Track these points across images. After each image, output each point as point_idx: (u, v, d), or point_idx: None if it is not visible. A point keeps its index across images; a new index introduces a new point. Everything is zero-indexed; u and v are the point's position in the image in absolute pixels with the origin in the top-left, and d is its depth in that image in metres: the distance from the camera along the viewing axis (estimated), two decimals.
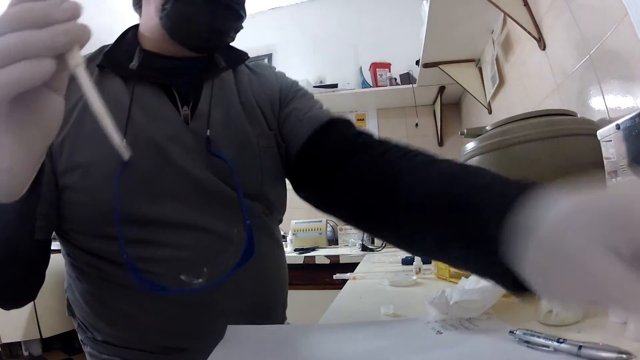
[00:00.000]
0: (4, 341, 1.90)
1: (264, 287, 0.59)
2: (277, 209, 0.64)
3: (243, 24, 0.58)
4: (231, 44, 0.61)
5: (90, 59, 0.56)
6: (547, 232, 0.26)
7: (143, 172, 0.51)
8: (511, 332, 0.36)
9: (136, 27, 0.61)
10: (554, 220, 0.26)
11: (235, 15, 0.56)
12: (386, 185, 0.47)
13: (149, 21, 0.57)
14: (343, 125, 0.59)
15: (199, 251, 0.52)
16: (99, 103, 0.27)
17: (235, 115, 0.60)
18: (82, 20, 0.27)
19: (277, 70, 0.69)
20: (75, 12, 0.25)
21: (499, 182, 0.37)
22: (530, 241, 0.27)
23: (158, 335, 0.52)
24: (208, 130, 0.55)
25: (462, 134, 0.99)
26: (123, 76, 0.55)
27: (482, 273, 0.37)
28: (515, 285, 0.30)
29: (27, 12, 0.24)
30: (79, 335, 0.61)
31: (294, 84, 0.67)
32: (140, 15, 0.61)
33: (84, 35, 0.26)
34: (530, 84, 1.32)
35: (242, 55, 0.65)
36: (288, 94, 0.64)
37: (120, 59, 0.56)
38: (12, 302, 0.49)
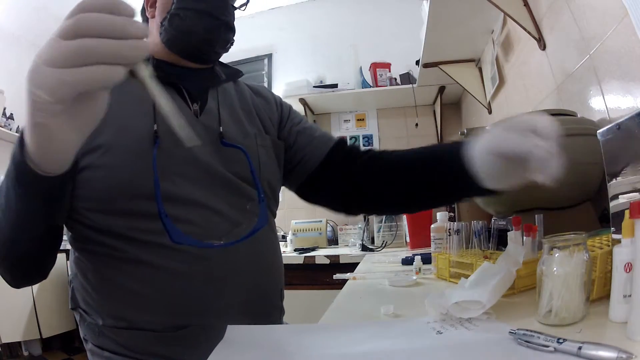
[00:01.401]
0: (4, 341, 1.89)
1: (262, 271, 0.65)
2: (272, 201, 0.71)
3: (234, 37, 0.67)
4: (228, 56, 0.70)
5: None
6: (489, 135, 0.49)
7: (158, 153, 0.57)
8: (511, 332, 0.36)
9: None
10: (492, 130, 0.49)
11: (225, 27, 0.64)
12: (394, 170, 0.67)
13: (153, 38, 0.66)
14: (345, 142, 0.76)
15: (207, 228, 0.58)
16: (171, 105, 0.33)
17: (237, 116, 0.69)
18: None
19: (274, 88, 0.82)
20: (145, 32, 0.31)
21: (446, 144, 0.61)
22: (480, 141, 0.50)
23: (162, 311, 0.56)
24: (221, 127, 0.64)
25: (462, 134, 1.00)
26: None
27: (460, 194, 0.62)
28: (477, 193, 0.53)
29: (107, 23, 0.29)
30: (80, 332, 0.63)
31: (290, 106, 0.81)
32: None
33: (147, 52, 0.31)
34: (530, 84, 1.32)
35: (237, 71, 0.75)
36: (289, 113, 0.78)
37: None
38: (25, 279, 0.53)
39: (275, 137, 0.74)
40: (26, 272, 0.53)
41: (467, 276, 0.54)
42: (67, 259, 1.80)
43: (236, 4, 0.67)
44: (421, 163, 0.64)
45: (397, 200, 0.69)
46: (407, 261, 1.05)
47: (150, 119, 0.57)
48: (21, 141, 0.35)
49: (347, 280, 0.89)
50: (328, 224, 2.25)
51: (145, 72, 0.32)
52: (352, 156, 0.72)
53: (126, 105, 0.57)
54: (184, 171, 0.59)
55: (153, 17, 0.66)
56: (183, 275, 0.56)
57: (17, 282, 0.53)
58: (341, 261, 1.71)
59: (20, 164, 0.36)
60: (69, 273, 0.64)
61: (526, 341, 0.34)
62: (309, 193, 0.76)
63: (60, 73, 0.28)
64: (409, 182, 0.64)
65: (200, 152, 0.60)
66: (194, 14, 0.61)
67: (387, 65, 2.42)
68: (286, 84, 2.42)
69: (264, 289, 0.65)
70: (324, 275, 1.67)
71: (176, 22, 0.61)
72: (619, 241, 0.38)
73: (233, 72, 0.75)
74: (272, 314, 0.67)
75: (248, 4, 0.69)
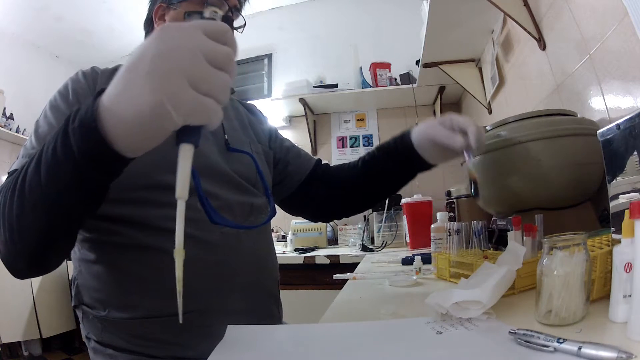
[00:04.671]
0: (4, 341, 1.90)
1: (260, 260, 0.71)
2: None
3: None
4: None
5: (116, 70, 0.70)
6: (420, 128, 0.70)
7: (172, 150, 0.60)
8: (511, 332, 0.36)
9: None
10: (421, 126, 0.70)
11: None
12: (360, 172, 0.81)
13: None
14: (321, 160, 0.91)
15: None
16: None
17: (234, 127, 0.77)
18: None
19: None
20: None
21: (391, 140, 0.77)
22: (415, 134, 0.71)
23: (171, 295, 0.56)
24: (225, 135, 0.71)
25: None
26: None
27: (408, 174, 0.76)
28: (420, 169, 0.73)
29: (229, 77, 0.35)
30: (83, 330, 0.63)
31: (276, 127, 0.94)
32: None
33: None
34: (530, 84, 1.32)
35: (231, 90, 0.84)
36: (277, 132, 0.91)
37: None
38: (40, 268, 0.50)
39: (267, 146, 0.83)
40: (42, 262, 0.49)
41: (467, 276, 0.54)
42: (69, 258, 1.80)
43: (235, 25, 0.72)
44: (377, 156, 0.78)
45: (365, 196, 0.83)
46: (407, 261, 1.05)
47: None
48: (93, 118, 0.35)
49: (347, 280, 0.89)
50: (328, 224, 2.25)
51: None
52: (327, 170, 0.88)
53: None
54: (196, 167, 0.63)
55: None
56: (191, 259, 0.58)
57: (27, 270, 0.49)
58: (341, 261, 1.71)
59: (96, 141, 0.36)
60: (72, 271, 0.66)
61: (526, 341, 0.34)
62: (295, 203, 0.85)
63: (211, 103, 0.33)
64: (370, 175, 0.79)
65: (210, 152, 0.67)
66: None
67: (387, 65, 2.42)
68: (286, 84, 2.42)
69: (262, 275, 0.70)
70: (324, 275, 1.67)
71: None
72: (619, 241, 0.38)
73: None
74: (268, 300, 0.71)
75: (245, 27, 0.74)
